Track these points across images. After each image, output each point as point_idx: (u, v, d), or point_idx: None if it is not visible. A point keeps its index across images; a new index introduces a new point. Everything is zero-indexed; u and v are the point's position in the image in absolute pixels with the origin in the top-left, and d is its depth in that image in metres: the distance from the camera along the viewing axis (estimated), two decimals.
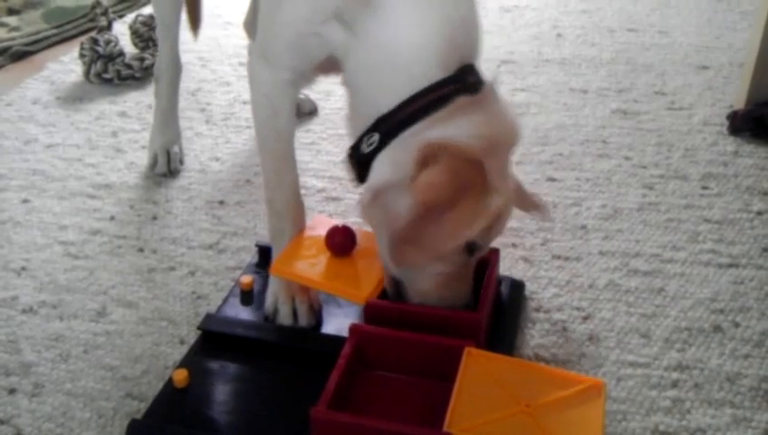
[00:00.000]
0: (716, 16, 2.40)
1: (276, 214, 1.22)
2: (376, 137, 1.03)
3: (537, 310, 1.26)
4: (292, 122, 1.18)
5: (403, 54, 1.00)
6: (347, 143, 1.09)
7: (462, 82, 1.01)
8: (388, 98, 1.02)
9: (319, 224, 1.22)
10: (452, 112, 1.00)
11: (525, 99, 1.93)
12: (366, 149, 1.04)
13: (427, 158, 0.97)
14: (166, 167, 1.65)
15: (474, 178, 0.98)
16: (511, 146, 1.04)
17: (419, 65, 1.00)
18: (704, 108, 1.87)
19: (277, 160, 1.20)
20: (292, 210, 1.21)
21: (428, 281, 1.07)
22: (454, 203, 0.97)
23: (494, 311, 1.18)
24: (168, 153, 1.66)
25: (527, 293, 1.29)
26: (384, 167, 1.02)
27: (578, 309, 1.26)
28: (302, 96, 1.87)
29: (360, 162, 1.06)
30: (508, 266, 1.35)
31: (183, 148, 1.72)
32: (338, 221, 1.19)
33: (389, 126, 1.02)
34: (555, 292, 1.30)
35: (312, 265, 1.15)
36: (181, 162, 1.69)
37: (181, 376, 1.08)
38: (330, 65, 1.09)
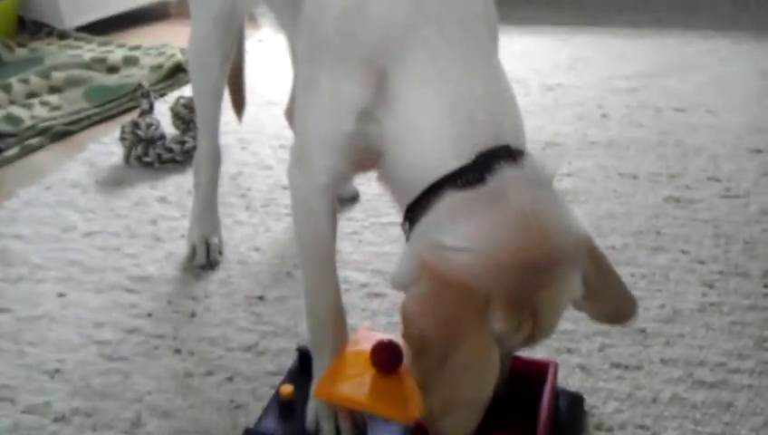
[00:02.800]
0: (764, 94, 2.34)
1: (317, 323, 1.16)
2: (407, 225, 0.99)
3: (599, 428, 1.18)
4: (332, 228, 1.13)
5: (417, 144, 0.94)
6: (390, 232, 1.05)
7: (480, 170, 0.90)
8: (411, 191, 0.96)
9: (363, 338, 1.16)
10: (452, 211, 0.89)
11: (572, 184, 1.87)
12: (405, 232, 1.00)
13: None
14: (205, 259, 1.61)
15: (466, 311, 0.85)
16: (545, 265, 0.86)
17: (433, 154, 0.93)
18: (761, 195, 1.79)
19: (318, 267, 1.15)
20: (334, 319, 1.15)
21: None
22: (451, 344, 0.85)
23: (552, 429, 1.10)
24: (208, 244, 1.63)
25: (586, 407, 1.21)
26: (400, 262, 0.96)
27: (642, 427, 1.17)
28: None
29: None
30: (564, 376, 1.27)
31: (222, 237, 1.68)
32: (383, 335, 1.13)
33: (411, 216, 0.97)
34: (617, 406, 1.21)
35: (357, 386, 1.08)
36: (220, 253, 1.65)
37: None
38: (366, 161, 1.04)
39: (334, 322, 1.15)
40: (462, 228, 0.87)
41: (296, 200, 1.14)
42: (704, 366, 1.29)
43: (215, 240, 1.64)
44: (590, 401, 1.22)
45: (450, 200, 0.90)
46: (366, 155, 1.02)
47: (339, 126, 1.00)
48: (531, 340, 0.91)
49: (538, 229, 0.86)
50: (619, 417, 1.20)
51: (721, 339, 1.35)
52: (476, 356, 0.86)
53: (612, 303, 0.99)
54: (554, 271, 0.87)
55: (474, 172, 0.90)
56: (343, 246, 1.65)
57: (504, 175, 0.89)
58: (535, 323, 0.88)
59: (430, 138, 0.93)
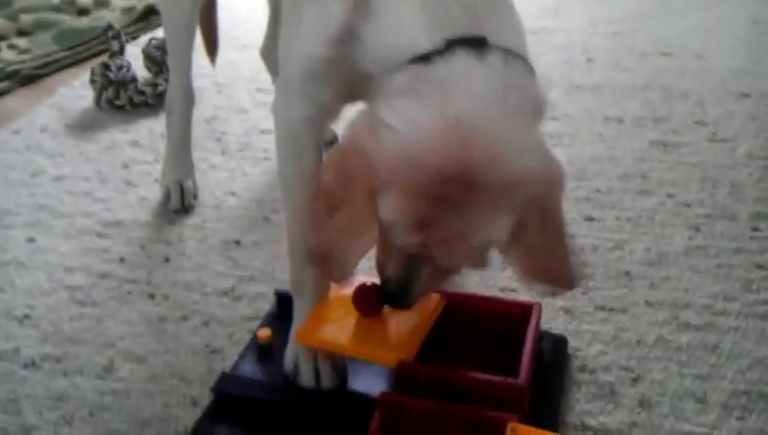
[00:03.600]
0: (753, 40, 2.30)
1: (299, 263, 1.12)
2: None
3: (582, 370, 1.15)
4: (317, 165, 1.08)
5: (395, 37, 0.90)
6: None
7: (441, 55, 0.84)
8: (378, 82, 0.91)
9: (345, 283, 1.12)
10: (397, 88, 0.85)
11: (557, 128, 1.82)
12: None
13: None
14: (179, 203, 1.56)
15: (359, 182, 0.85)
16: (457, 185, 0.80)
17: (404, 43, 0.88)
18: (747, 139, 1.77)
19: (301, 205, 1.10)
20: None
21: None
22: (338, 202, 0.88)
23: (535, 371, 1.08)
24: (182, 188, 1.57)
25: (570, 349, 1.19)
26: None
27: (626, 369, 1.15)
28: None
29: None
30: (547, 319, 1.24)
31: (197, 182, 1.63)
32: (365, 278, 1.09)
33: None
34: (601, 349, 1.19)
35: (340, 329, 1.05)
36: (195, 197, 1.59)
37: None
38: (353, 91, 0.99)
39: None
40: (396, 104, 0.83)
41: (280, 135, 1.10)
42: (689, 309, 1.27)
43: (189, 184, 1.59)
44: (573, 343, 1.20)
45: (399, 78, 0.86)
46: (353, 83, 0.97)
47: (321, 51, 0.95)
48: (427, 252, 0.86)
49: (467, 144, 0.79)
50: (602, 359, 1.17)
51: (707, 282, 1.33)
52: (352, 223, 0.87)
53: (547, 267, 0.91)
54: (469, 198, 0.80)
55: (429, 55, 0.85)
56: None
57: (458, 60, 0.83)
58: (431, 236, 0.84)
59: (404, 31, 0.88)
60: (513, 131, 0.81)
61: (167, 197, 1.58)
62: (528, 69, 0.88)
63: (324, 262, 0.94)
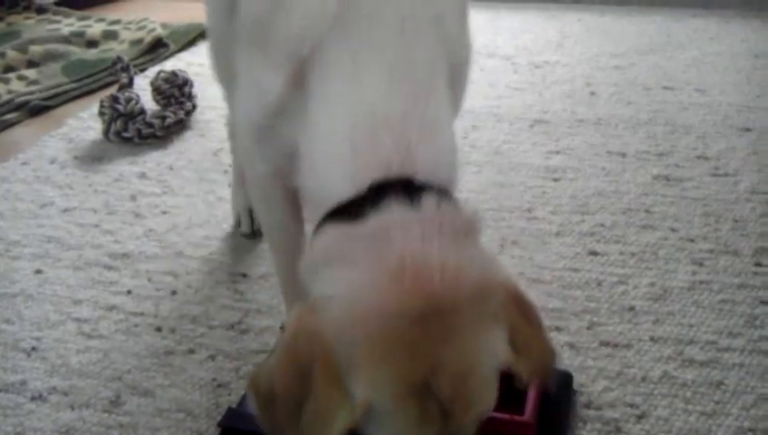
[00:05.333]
0: (755, 74, 2.32)
1: (291, 302, 1.14)
2: None
3: (587, 406, 1.16)
4: (289, 212, 1.08)
5: (319, 162, 0.84)
6: None
7: (366, 204, 0.77)
8: (314, 218, 0.85)
9: None
10: (327, 250, 0.78)
11: (561, 162, 1.84)
12: None
13: None
14: (249, 227, 1.56)
15: (320, 366, 0.71)
16: (430, 315, 0.70)
17: (330, 178, 0.82)
18: (750, 174, 1.78)
19: (281, 250, 1.12)
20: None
21: None
22: (304, 395, 0.72)
23: (541, 408, 1.08)
24: (252, 212, 1.56)
25: (575, 385, 1.19)
26: None
27: (632, 406, 1.16)
28: None
29: None
30: None
31: (204, 214, 1.64)
32: None
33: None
34: (606, 385, 1.20)
35: None
36: None
37: None
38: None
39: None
40: (330, 272, 0.75)
41: (250, 186, 1.11)
42: (694, 344, 1.28)
43: None
44: (579, 379, 1.20)
45: (327, 237, 0.79)
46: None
47: (258, 117, 0.93)
48: (450, 415, 0.71)
49: (420, 277, 0.71)
50: (608, 395, 1.18)
51: (711, 317, 1.34)
52: (321, 421, 0.71)
53: (539, 356, 0.80)
54: (451, 324, 0.71)
55: (361, 206, 0.78)
56: None
57: (391, 213, 0.76)
58: (438, 392, 0.70)
59: (330, 158, 0.83)
60: (458, 249, 0.75)
61: (238, 221, 1.59)
62: (456, 200, 0.83)
63: None
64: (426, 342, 0.70)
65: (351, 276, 0.73)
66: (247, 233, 1.57)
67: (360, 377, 0.70)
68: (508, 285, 0.78)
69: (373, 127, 0.81)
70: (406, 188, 0.78)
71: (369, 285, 0.72)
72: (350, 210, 0.79)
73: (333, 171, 0.82)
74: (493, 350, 0.74)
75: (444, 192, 0.81)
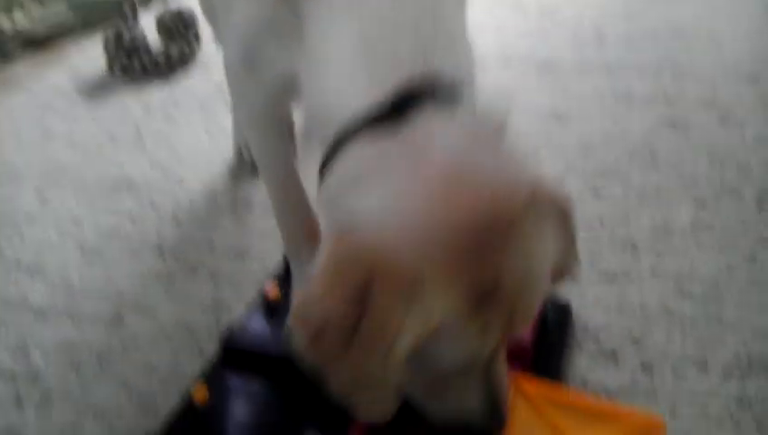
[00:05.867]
0: (765, 24, 2.29)
1: (287, 234, 1.13)
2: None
3: (585, 333, 1.16)
4: (283, 140, 1.06)
5: (328, 79, 0.78)
6: None
7: (397, 112, 0.72)
8: (324, 140, 0.78)
9: None
10: (365, 168, 0.73)
11: (567, 106, 1.83)
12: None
13: None
14: (252, 159, 1.55)
15: (382, 292, 0.67)
16: (491, 225, 0.67)
17: (345, 92, 0.76)
18: (756, 122, 1.76)
19: (275, 181, 1.10)
20: (304, 229, 1.11)
21: (416, 388, 0.80)
22: (360, 322, 0.68)
23: (539, 334, 1.09)
24: None
25: (574, 315, 1.19)
26: (319, 254, 0.76)
27: (628, 334, 1.16)
28: None
29: None
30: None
31: (208, 146, 1.64)
32: None
33: (323, 176, 0.79)
34: (604, 314, 1.20)
35: None
36: None
37: (201, 392, 1.00)
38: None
39: (306, 232, 1.11)
40: (376, 190, 0.71)
41: (243, 117, 1.08)
42: (693, 280, 1.28)
43: None
44: (577, 308, 1.20)
45: (360, 153, 0.74)
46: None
47: (248, 40, 0.89)
48: (510, 323, 0.71)
49: (473, 184, 0.68)
50: (605, 324, 1.18)
51: (712, 255, 1.34)
52: (383, 337, 0.68)
53: (568, 261, 0.80)
54: (508, 230, 0.69)
55: (389, 115, 0.73)
56: None
57: (427, 119, 0.72)
58: (501, 301, 0.69)
59: (340, 70, 0.77)
60: (499, 153, 0.73)
61: (239, 153, 1.58)
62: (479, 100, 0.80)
63: (360, 394, 0.74)
64: (488, 249, 0.68)
65: (398, 191, 0.69)
66: (249, 163, 1.57)
67: (426, 291, 0.67)
68: (546, 186, 0.74)
69: (385, 32, 0.76)
70: (431, 93, 0.73)
71: (422, 196, 0.68)
72: (374, 123, 0.73)
73: (346, 84, 0.77)
74: (546, 256, 0.73)
75: (469, 93, 0.77)
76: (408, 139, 0.71)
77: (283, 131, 1.06)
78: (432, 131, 0.71)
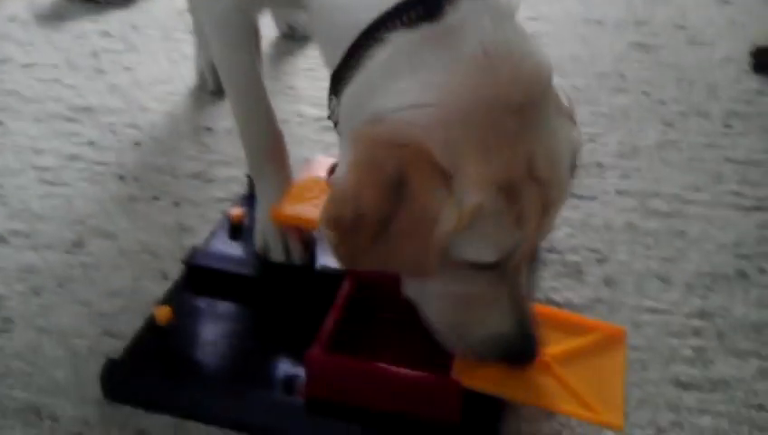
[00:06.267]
0: None
1: (252, 150, 1.12)
2: (335, 101, 0.82)
3: (550, 251, 1.17)
4: (251, 51, 1.05)
5: None
6: None
7: (423, 3, 0.73)
8: (339, 44, 0.78)
9: (318, 165, 1.10)
10: (394, 62, 0.73)
11: (537, 28, 1.80)
12: (333, 117, 0.84)
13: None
14: (215, 84, 1.51)
15: (417, 172, 0.69)
16: (523, 107, 0.70)
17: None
18: (726, 43, 1.76)
19: (241, 93, 1.08)
20: (269, 145, 1.10)
21: (443, 303, 0.82)
22: (393, 210, 0.70)
23: None
24: (215, 70, 1.52)
25: None
26: (342, 157, 0.78)
27: (593, 251, 1.17)
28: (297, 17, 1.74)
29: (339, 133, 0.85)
30: None
31: (169, 71, 1.60)
32: (328, 157, 1.08)
33: (339, 86, 0.79)
34: (569, 232, 1.20)
35: (314, 207, 1.04)
36: None
37: (164, 313, 0.99)
38: None
39: (270, 146, 1.10)
40: (402, 81, 0.71)
41: (210, 26, 1.05)
42: (658, 197, 1.28)
43: None
44: None
45: (394, 48, 0.73)
46: None
47: None
48: (545, 202, 0.72)
49: (509, 67, 0.70)
50: (571, 241, 1.19)
51: (677, 173, 1.34)
52: (425, 222, 0.70)
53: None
54: (538, 115, 0.72)
55: (423, 5, 0.73)
56: (298, 82, 1.59)
57: (463, 5, 0.72)
58: (534, 189, 0.71)
59: None
60: (521, 36, 0.75)
61: (202, 79, 1.54)
62: None
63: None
64: (523, 131, 0.70)
65: (433, 79, 0.70)
66: (212, 90, 1.53)
67: (466, 174, 0.69)
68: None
69: None
70: None
71: (459, 81, 0.70)
72: (402, 15, 0.73)
73: None
74: (570, 137, 0.76)
75: None
76: (446, 27, 0.72)
77: (250, 39, 1.04)
78: (466, 17, 0.72)
